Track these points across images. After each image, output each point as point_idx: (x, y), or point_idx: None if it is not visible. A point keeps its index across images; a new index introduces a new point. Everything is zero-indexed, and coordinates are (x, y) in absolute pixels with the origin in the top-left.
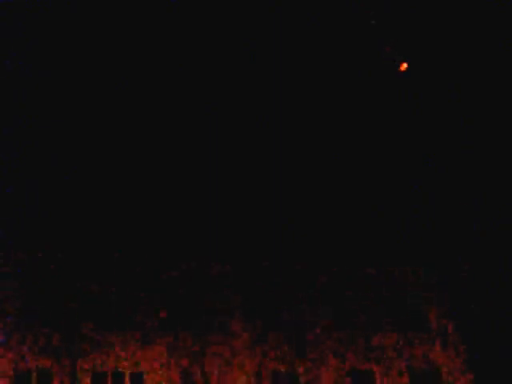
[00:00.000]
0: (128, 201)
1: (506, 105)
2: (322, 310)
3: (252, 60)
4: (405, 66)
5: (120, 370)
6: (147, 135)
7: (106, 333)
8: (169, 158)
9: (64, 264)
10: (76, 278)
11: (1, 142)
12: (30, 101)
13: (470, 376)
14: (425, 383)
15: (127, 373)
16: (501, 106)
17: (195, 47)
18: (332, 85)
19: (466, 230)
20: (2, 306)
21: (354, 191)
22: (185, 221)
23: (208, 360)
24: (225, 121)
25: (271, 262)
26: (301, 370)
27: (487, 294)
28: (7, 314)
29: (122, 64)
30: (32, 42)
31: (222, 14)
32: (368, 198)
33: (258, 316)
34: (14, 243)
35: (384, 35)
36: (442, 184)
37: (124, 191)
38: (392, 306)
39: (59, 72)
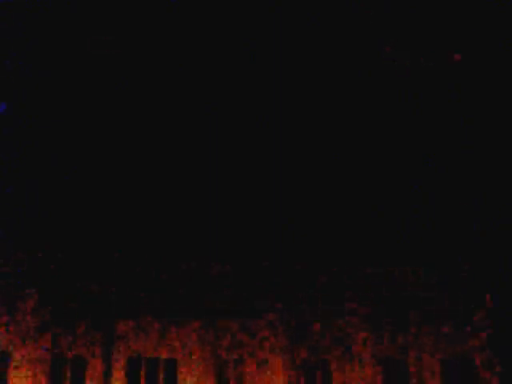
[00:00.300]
0: (128, 201)
1: (506, 105)
2: (321, 310)
3: (252, 60)
4: (458, 57)
5: (155, 356)
6: (147, 135)
7: (141, 319)
8: (168, 158)
9: (64, 264)
10: (76, 277)
11: (1, 142)
12: (30, 101)
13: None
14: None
15: (162, 359)
16: (501, 105)
17: (195, 47)
18: (332, 85)
19: (466, 229)
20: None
21: (353, 191)
22: (184, 221)
23: (243, 350)
24: (224, 120)
25: (271, 261)
26: (332, 360)
27: (487, 293)
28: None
29: (122, 64)
30: (32, 41)
31: (222, 14)
32: (368, 198)
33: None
34: (14, 243)
35: (384, 35)
36: (441, 184)
37: (124, 191)
38: (392, 306)
39: (59, 72)
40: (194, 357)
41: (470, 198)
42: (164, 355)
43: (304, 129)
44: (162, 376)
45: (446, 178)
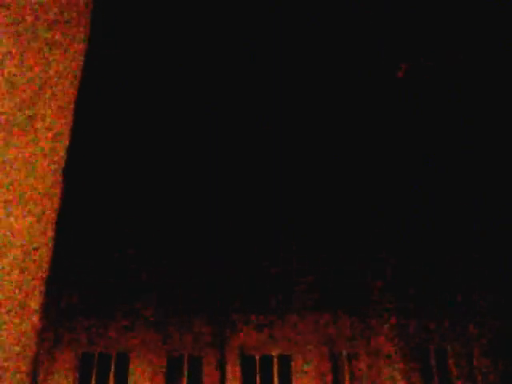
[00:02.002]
0: (128, 202)
1: (506, 105)
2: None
3: (252, 60)
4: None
5: (267, 353)
6: (147, 136)
7: (254, 316)
8: (169, 159)
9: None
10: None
11: None
12: None
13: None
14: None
15: (275, 356)
16: (501, 106)
17: (195, 47)
18: (332, 85)
19: (466, 229)
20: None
21: (353, 191)
22: (185, 221)
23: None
24: (224, 121)
25: (271, 261)
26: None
27: (487, 294)
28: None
29: (122, 64)
30: None
31: (222, 14)
32: (368, 199)
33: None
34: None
35: (384, 35)
36: (442, 184)
37: (124, 192)
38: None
39: None
40: (307, 355)
41: (470, 198)
42: (277, 352)
43: (304, 130)
44: (276, 371)
45: (446, 179)
